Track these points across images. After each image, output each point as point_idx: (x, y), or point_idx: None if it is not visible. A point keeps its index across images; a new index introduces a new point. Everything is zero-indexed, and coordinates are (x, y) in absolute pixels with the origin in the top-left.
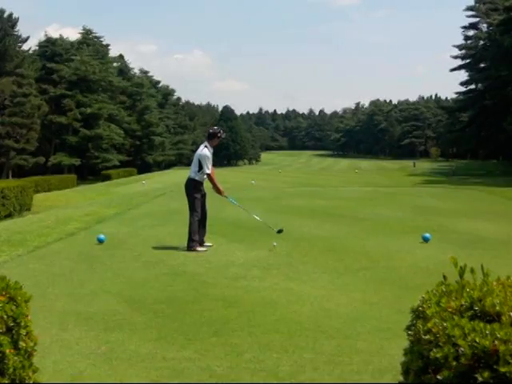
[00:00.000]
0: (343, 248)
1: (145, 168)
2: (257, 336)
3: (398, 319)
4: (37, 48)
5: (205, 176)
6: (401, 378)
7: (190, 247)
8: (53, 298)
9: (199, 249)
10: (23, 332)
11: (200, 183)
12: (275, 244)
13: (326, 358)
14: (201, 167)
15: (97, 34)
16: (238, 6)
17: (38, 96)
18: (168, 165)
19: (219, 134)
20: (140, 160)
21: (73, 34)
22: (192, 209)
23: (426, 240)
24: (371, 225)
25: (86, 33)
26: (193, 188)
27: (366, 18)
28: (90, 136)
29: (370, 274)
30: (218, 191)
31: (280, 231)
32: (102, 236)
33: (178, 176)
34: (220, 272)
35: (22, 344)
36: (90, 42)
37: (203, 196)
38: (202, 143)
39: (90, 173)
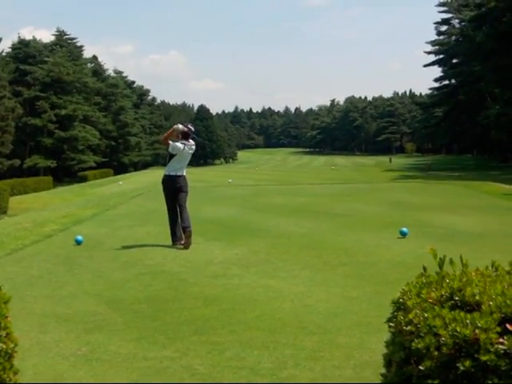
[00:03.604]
0: (322, 244)
1: (121, 169)
2: (238, 333)
3: (378, 313)
4: (10, 50)
5: (178, 173)
6: (382, 372)
7: (173, 242)
8: (31, 300)
9: (179, 244)
10: (3, 333)
11: (169, 177)
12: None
13: (307, 354)
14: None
15: (71, 36)
16: (214, 6)
17: (12, 98)
18: (144, 165)
19: (185, 129)
20: (116, 161)
21: (47, 36)
22: (166, 205)
23: (403, 235)
24: (349, 221)
25: (60, 34)
26: (162, 184)
27: (340, 15)
28: (65, 138)
29: (349, 270)
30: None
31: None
32: (79, 237)
33: (155, 176)
34: (199, 270)
35: (1, 345)
36: (63, 44)
37: (179, 192)
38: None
39: (66, 174)
